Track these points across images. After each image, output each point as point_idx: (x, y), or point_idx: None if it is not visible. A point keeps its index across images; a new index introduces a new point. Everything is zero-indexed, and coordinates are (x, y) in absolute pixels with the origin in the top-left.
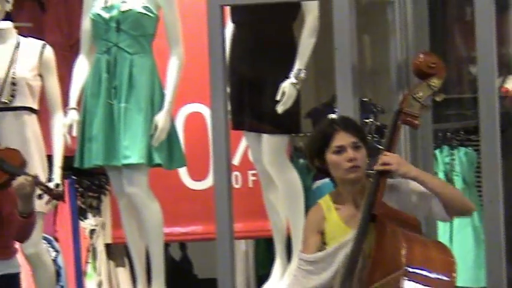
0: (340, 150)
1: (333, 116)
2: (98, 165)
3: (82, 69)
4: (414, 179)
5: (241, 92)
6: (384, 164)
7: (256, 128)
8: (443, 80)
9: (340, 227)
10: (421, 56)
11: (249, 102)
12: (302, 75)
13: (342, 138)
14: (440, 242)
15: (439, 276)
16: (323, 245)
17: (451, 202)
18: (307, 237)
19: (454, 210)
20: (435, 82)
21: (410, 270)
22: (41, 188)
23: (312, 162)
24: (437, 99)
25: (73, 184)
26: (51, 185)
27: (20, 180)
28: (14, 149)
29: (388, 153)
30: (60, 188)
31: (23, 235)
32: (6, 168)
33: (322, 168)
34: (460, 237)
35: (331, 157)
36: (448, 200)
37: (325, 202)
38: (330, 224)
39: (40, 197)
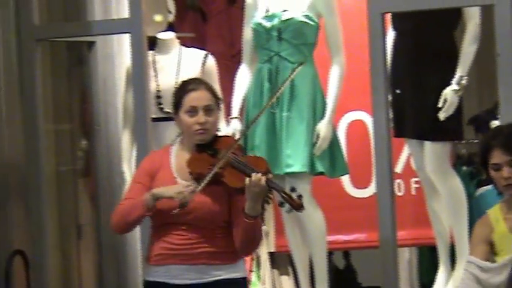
0: (497, 168)
1: (496, 122)
2: None
3: (244, 78)
4: None
5: (402, 99)
6: None
7: (419, 135)
8: None
9: (508, 237)
10: None
11: (410, 110)
12: (464, 82)
13: (497, 156)
14: None
15: None
16: (492, 255)
17: None
18: (475, 245)
19: None
20: None
21: None
22: (282, 196)
23: (485, 173)
24: None
25: None
26: (293, 195)
27: (253, 177)
28: (260, 157)
29: None
30: (301, 200)
31: (248, 245)
32: (248, 172)
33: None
34: None
35: (491, 172)
36: None
37: (494, 212)
38: (498, 235)
39: (281, 205)
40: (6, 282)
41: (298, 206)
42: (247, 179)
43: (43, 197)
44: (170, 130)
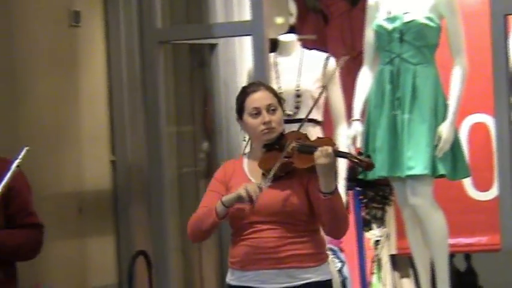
0: None
1: None
2: (382, 177)
3: (365, 80)
4: None
5: None
6: None
7: None
8: None
9: None
10: None
11: None
12: None
13: None
14: None
15: None
16: None
17: None
18: None
19: None
20: None
21: None
22: (352, 160)
23: None
24: None
25: (357, 195)
26: (361, 156)
27: (316, 152)
28: (326, 137)
29: None
30: (370, 158)
31: (335, 224)
32: (313, 150)
33: None
34: None
35: None
36: None
37: None
38: None
39: (354, 170)
40: (129, 282)
41: (368, 165)
42: (315, 153)
43: (165, 198)
44: None
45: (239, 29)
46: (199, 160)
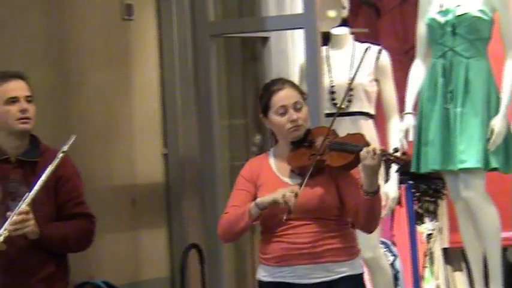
0: None
1: None
2: (434, 170)
3: (418, 74)
4: None
5: None
6: None
7: None
8: None
9: None
10: None
11: None
12: None
13: None
14: None
15: None
16: None
17: None
18: None
19: None
20: None
21: None
22: (388, 158)
23: None
24: None
25: (410, 189)
26: (398, 154)
27: (362, 152)
28: (357, 133)
29: None
30: (407, 156)
31: (371, 221)
32: (349, 149)
33: None
34: None
35: None
36: None
37: None
38: None
39: (389, 167)
40: (181, 275)
41: (405, 163)
42: (361, 153)
43: (217, 191)
44: (343, 125)
45: (291, 22)
46: (251, 153)
